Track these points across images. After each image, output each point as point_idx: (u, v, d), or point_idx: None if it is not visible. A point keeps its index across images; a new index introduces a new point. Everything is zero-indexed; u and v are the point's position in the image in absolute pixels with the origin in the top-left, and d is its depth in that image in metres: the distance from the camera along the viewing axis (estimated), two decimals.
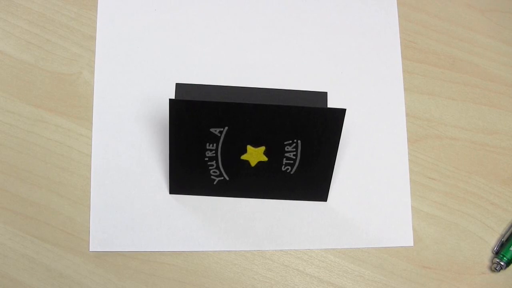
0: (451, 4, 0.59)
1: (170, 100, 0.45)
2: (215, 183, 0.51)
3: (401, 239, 0.52)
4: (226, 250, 0.51)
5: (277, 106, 0.45)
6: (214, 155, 0.48)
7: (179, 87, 0.48)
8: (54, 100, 0.54)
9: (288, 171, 0.50)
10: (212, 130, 0.47)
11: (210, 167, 0.49)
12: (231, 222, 0.52)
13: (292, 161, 0.49)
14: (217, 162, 0.49)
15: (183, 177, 0.50)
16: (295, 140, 0.48)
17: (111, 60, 0.55)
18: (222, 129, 0.47)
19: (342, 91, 0.55)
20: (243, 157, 0.49)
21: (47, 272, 0.50)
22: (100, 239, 0.51)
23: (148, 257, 0.51)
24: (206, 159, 0.49)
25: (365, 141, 0.54)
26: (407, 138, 0.55)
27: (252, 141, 0.48)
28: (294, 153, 0.49)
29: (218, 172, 0.50)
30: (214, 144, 0.48)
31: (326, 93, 0.49)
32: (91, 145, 0.53)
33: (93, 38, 0.55)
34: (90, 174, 0.52)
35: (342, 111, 0.46)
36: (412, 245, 0.52)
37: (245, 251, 0.51)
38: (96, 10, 0.56)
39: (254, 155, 0.49)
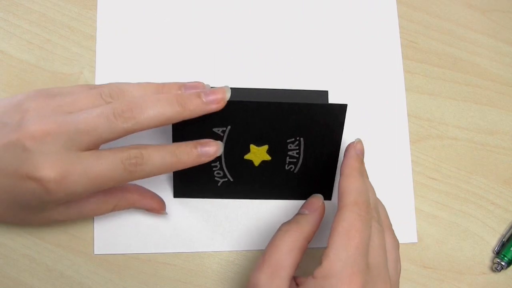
0: (451, 4, 0.59)
1: None
2: (219, 184, 0.51)
3: (405, 236, 0.52)
4: (227, 250, 0.51)
5: (279, 103, 0.45)
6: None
7: None
8: None
9: (291, 170, 0.50)
10: (215, 129, 0.47)
11: (213, 168, 0.49)
12: (234, 222, 0.52)
13: (295, 160, 0.49)
14: (220, 163, 0.49)
15: (187, 180, 0.50)
16: (297, 138, 0.48)
17: (111, 60, 0.54)
18: (225, 129, 0.47)
19: (343, 92, 0.55)
20: (247, 156, 0.49)
21: (48, 272, 0.50)
22: (105, 242, 0.50)
23: (149, 257, 0.51)
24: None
25: (367, 141, 0.54)
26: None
27: (255, 140, 0.48)
28: (297, 151, 0.49)
29: (222, 174, 0.50)
30: None
31: (327, 91, 0.49)
32: None
33: (93, 37, 0.55)
34: None
35: (344, 106, 0.46)
36: (416, 241, 0.53)
37: (246, 251, 0.52)
38: (96, 10, 0.56)
39: (258, 154, 0.49)
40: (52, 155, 0.40)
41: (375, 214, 0.44)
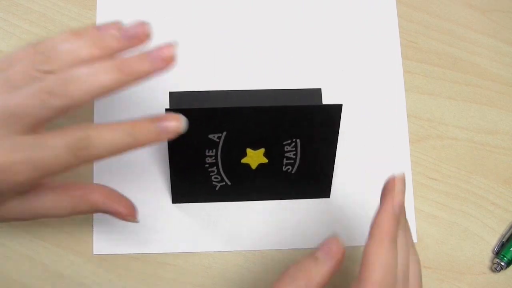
0: (451, 3, 0.59)
1: (167, 110, 0.45)
2: (217, 188, 0.51)
3: None
4: (228, 250, 0.51)
5: (273, 107, 0.45)
6: (214, 161, 0.48)
7: (173, 95, 0.48)
8: None
9: (289, 171, 0.50)
10: (210, 136, 0.47)
11: (211, 173, 0.49)
12: (234, 222, 0.52)
13: (292, 161, 0.49)
14: (217, 168, 0.49)
15: (185, 186, 0.50)
16: (294, 140, 0.48)
17: None
18: (220, 134, 0.46)
19: (343, 92, 0.55)
20: (244, 160, 0.49)
21: (47, 272, 0.50)
22: (104, 242, 0.51)
23: (149, 258, 0.51)
24: (207, 165, 0.49)
25: (367, 141, 0.54)
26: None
27: (251, 144, 0.48)
28: (294, 152, 0.49)
29: (219, 178, 0.50)
30: (214, 150, 0.48)
31: (320, 89, 0.49)
32: None
33: None
34: (91, 175, 0.52)
35: (339, 107, 0.46)
36: (416, 241, 0.53)
37: (246, 251, 0.52)
38: (96, 10, 0.56)
39: (254, 157, 0.49)
40: None
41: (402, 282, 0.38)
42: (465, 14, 0.58)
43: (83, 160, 0.38)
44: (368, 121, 0.55)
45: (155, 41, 0.55)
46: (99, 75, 0.37)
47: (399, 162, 0.54)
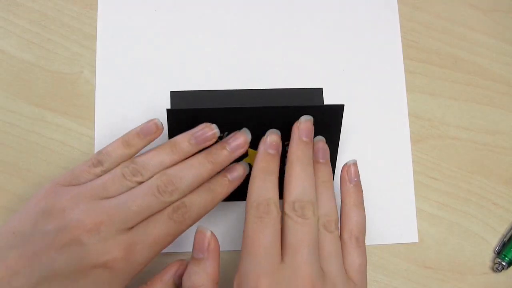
0: (453, 3, 0.59)
1: (168, 110, 0.45)
2: None
3: (406, 236, 0.52)
4: (227, 250, 0.51)
5: (275, 107, 0.45)
6: None
7: (174, 95, 0.48)
8: (55, 99, 0.54)
9: None
10: None
11: None
12: (233, 222, 0.52)
13: None
14: None
15: None
16: None
17: (112, 59, 0.54)
18: (222, 135, 0.46)
19: (344, 92, 0.55)
20: (245, 160, 0.48)
21: None
22: None
23: None
24: None
25: (368, 141, 0.54)
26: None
27: (252, 144, 0.48)
28: None
29: None
30: None
31: (321, 89, 0.49)
32: (93, 144, 0.52)
33: (94, 37, 0.55)
34: None
35: (341, 107, 0.46)
36: (417, 241, 0.52)
37: None
38: (97, 9, 0.55)
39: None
40: (111, 239, 0.41)
41: (323, 218, 0.43)
42: (467, 14, 0.58)
43: (186, 225, 0.43)
44: (369, 121, 0.55)
45: (158, 41, 0.55)
46: (197, 168, 0.44)
47: (401, 162, 0.54)
